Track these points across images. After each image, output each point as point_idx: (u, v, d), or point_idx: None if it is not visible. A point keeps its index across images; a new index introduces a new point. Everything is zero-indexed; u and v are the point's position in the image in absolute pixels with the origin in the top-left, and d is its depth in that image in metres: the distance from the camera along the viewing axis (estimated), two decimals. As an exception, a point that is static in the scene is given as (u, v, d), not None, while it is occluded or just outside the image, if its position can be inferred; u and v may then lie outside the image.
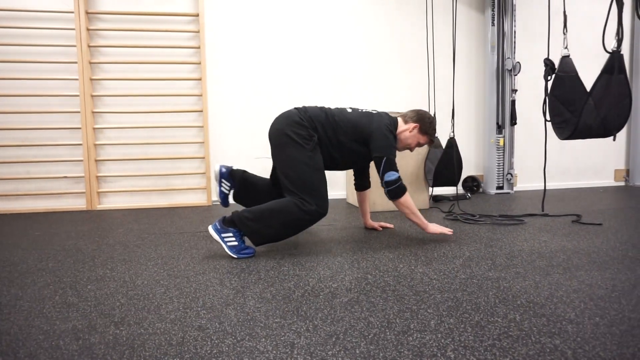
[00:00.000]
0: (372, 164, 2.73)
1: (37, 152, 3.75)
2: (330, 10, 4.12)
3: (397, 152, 2.47)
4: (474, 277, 1.71)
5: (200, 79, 3.88)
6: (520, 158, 4.61)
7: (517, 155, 4.55)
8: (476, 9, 4.42)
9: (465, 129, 4.50)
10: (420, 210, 3.40)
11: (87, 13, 3.69)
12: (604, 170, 4.90)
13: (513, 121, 4.23)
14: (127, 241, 2.48)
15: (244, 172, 2.52)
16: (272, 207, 2.07)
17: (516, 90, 4.23)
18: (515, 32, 4.24)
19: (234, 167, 2.56)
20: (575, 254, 2.05)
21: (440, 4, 4.29)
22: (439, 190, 4.36)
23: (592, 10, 4.65)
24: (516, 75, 4.19)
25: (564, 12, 2.37)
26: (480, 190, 4.49)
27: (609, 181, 4.91)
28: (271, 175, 2.51)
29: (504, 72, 4.25)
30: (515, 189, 4.56)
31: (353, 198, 3.77)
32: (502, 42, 4.24)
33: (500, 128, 4.30)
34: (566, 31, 2.39)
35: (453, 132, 3.36)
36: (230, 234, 2.07)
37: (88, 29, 3.71)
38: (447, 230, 2.33)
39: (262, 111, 4.05)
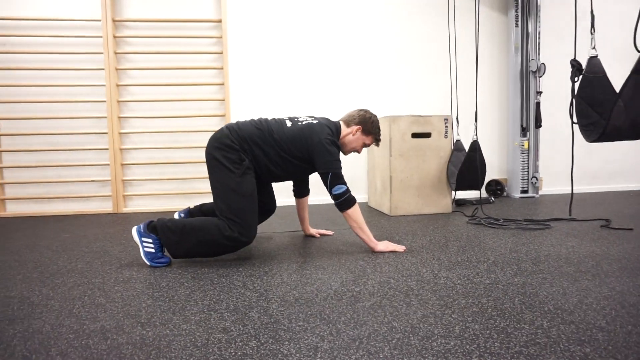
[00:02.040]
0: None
1: (67, 156, 3.86)
2: (352, 14, 4.13)
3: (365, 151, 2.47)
4: (499, 283, 1.69)
5: (222, 84, 3.94)
6: (546, 161, 4.51)
7: (542, 158, 4.46)
8: (499, 10, 4.36)
9: (489, 132, 4.43)
10: (442, 214, 3.36)
11: (114, 21, 3.79)
12: (634, 173, 4.75)
13: (538, 124, 4.15)
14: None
15: (202, 205, 2.55)
16: (195, 224, 2.04)
17: (541, 92, 4.15)
18: (539, 32, 4.16)
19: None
20: (604, 259, 1.99)
21: (462, 6, 4.24)
22: (462, 194, 4.30)
23: (620, 9, 4.53)
24: (541, 76, 4.11)
25: (592, 11, 2.32)
26: (504, 194, 4.41)
27: (639, 185, 4.77)
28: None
29: (528, 74, 4.18)
30: (540, 192, 4.46)
31: (375, 201, 3.76)
32: (526, 43, 4.17)
33: (524, 131, 4.22)
34: (594, 31, 2.33)
35: (476, 135, 3.32)
36: (150, 240, 2.05)
37: (115, 37, 3.80)
38: (398, 248, 2.24)
39: (284, 115, 4.07)
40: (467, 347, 1.16)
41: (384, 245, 2.24)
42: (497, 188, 4.34)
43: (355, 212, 2.17)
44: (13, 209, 3.85)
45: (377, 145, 2.47)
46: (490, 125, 4.43)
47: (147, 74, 3.90)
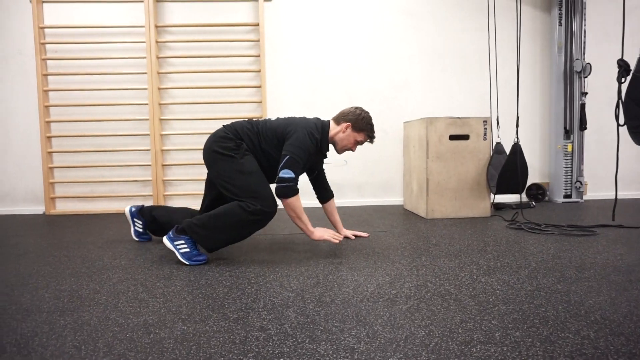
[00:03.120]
0: (324, 169, 2.63)
1: (111, 157, 4.02)
2: (387, 15, 4.10)
3: (355, 151, 2.47)
4: (541, 290, 1.63)
5: (259, 87, 4.00)
6: (591, 165, 4.33)
7: (587, 161, 4.28)
8: (541, 8, 4.23)
9: (530, 135, 4.30)
10: (480, 218, 3.29)
11: (156, 27, 3.92)
12: (688, 178, 4.49)
13: (583, 126, 3.99)
14: (191, 242, 2.59)
15: (153, 207, 2.58)
16: (218, 212, 2.08)
17: (586, 93, 4.00)
18: (585, 31, 4.00)
19: (144, 205, 2.61)
20: (656, 268, 1.89)
21: (502, 5, 4.14)
22: (501, 198, 4.19)
23: (673, 6, 4.30)
24: (586, 77, 3.95)
25: (643, 8, 2.21)
26: (546, 198, 4.26)
27: (693, 190, 4.50)
28: (202, 203, 2.49)
29: (573, 74, 4.03)
30: (585, 197, 4.29)
31: (410, 204, 3.72)
32: (570, 42, 4.02)
33: (568, 133, 4.07)
34: (645, 29, 2.22)
35: (517, 137, 3.23)
36: (182, 242, 2.10)
37: (157, 42, 3.93)
38: (333, 238, 2.21)
39: (321, 116, 4.09)
40: (509, 354, 1.13)
41: (319, 233, 2.22)
42: (538, 192, 4.20)
43: (293, 202, 2.12)
44: (62, 207, 4.05)
45: (371, 142, 2.43)
46: (532, 127, 4.30)
47: (187, 77, 4.02)
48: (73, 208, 4.03)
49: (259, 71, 3.99)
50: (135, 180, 4.03)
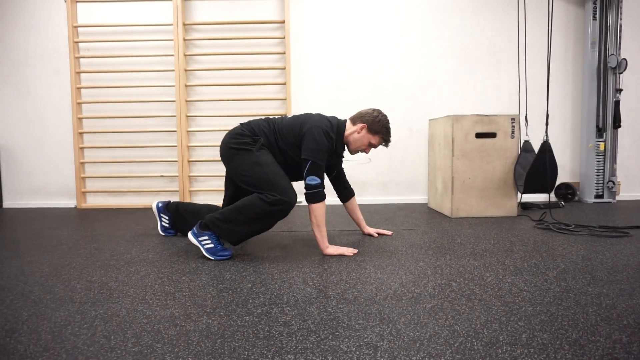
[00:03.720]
0: (343, 168, 2.62)
1: (139, 152, 4.12)
2: (414, 12, 4.05)
3: (371, 153, 2.38)
4: (570, 291, 1.59)
5: (284, 84, 4.02)
6: (625, 164, 4.19)
7: (620, 160, 4.14)
8: (575, 2, 4.10)
9: (560, 133, 4.18)
10: (506, 217, 3.23)
11: (184, 25, 3.98)
12: None
13: (617, 124, 3.86)
14: (216, 237, 2.64)
15: (178, 204, 2.61)
16: (239, 205, 2.10)
17: (621, 90, 3.86)
18: (621, 25, 3.86)
19: (171, 201, 2.67)
20: (693, 272, 1.82)
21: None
22: (529, 197, 4.10)
23: None
24: (621, 73, 3.82)
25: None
26: (576, 198, 4.14)
27: None
28: (223, 199, 2.50)
29: (607, 70, 3.90)
30: (617, 197, 4.15)
31: (435, 203, 3.68)
32: (605, 37, 3.89)
33: (600, 131, 3.94)
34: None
35: (547, 135, 3.15)
36: (206, 237, 2.13)
37: (185, 39, 4.00)
38: (348, 252, 2.17)
39: (344, 115, 4.09)
40: (536, 356, 1.11)
41: (333, 249, 2.19)
42: (567, 192, 4.09)
43: (319, 208, 2.13)
44: (92, 201, 4.17)
45: (386, 146, 2.41)
46: (562, 125, 4.18)
47: (213, 75, 4.07)
48: (103, 202, 4.15)
49: (284, 68, 4.01)
50: (162, 176, 4.11)
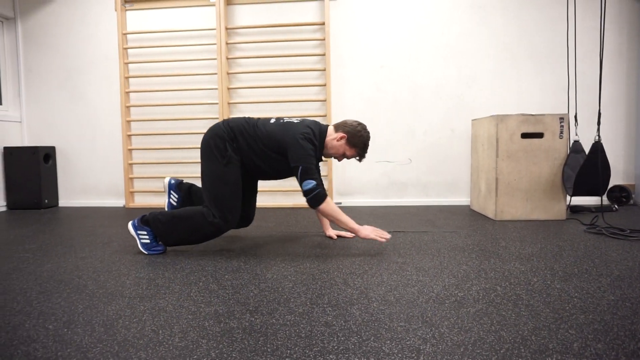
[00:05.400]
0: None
1: (184, 154, 4.25)
2: (454, 9, 3.97)
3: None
4: (626, 300, 1.51)
5: (324, 85, 4.03)
6: (685, 165, 3.93)
7: (680, 162, 3.89)
8: (629, -5, 3.89)
9: (613, 133, 3.97)
10: (554, 221, 3.10)
11: (226, 29, 4.08)
12: None
13: (676, 122, 3.62)
14: (256, 237, 2.68)
15: (191, 185, 2.63)
16: (182, 214, 2.22)
17: (681, 87, 3.62)
18: (681, 18, 3.63)
19: (184, 181, 2.65)
20: None
21: (583, -6, 3.86)
22: (579, 200, 3.92)
23: None
24: (681, 68, 3.58)
25: None
26: (631, 202, 3.92)
27: None
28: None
29: (665, 66, 3.67)
30: (677, 201, 3.89)
31: (478, 205, 3.58)
32: (663, 31, 3.66)
33: (658, 130, 3.71)
34: None
35: (599, 135, 3.00)
36: (145, 232, 2.26)
37: (227, 43, 4.09)
38: (381, 237, 2.17)
39: (383, 115, 4.06)
40: (588, 366, 1.06)
41: (367, 232, 2.19)
42: (621, 195, 3.88)
43: (327, 207, 2.16)
44: (139, 201, 4.34)
45: (360, 161, 2.41)
46: (615, 125, 3.97)
47: (254, 77, 4.14)
48: (150, 202, 4.31)
49: (324, 70, 4.02)
50: (205, 177, 4.21)
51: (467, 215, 3.43)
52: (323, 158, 2.47)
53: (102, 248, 2.43)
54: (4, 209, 4.15)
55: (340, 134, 2.30)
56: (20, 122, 4.38)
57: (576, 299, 1.52)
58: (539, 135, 3.13)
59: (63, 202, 4.42)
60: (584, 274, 1.82)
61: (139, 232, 2.28)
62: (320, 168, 4.06)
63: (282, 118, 2.37)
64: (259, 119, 2.37)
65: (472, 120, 3.72)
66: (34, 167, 4.10)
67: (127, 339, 1.25)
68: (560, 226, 2.91)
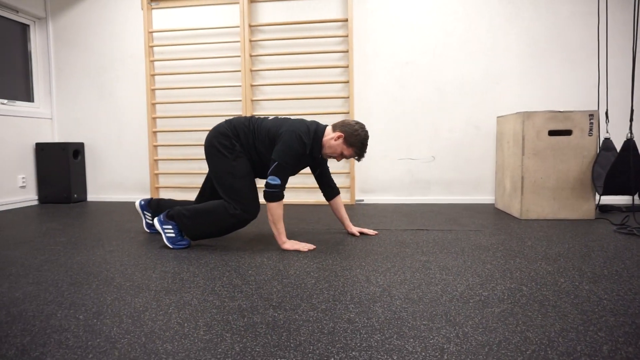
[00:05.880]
0: (328, 167, 2.64)
1: (207, 150, 4.30)
2: (481, 4, 3.89)
3: (342, 159, 2.41)
4: (658, 302, 1.46)
5: (347, 82, 4.02)
6: None
7: None
8: (665, -13, 3.74)
9: (645, 129, 3.84)
10: (582, 220, 3.02)
11: (250, 26, 4.11)
12: None
13: None
14: (279, 233, 2.70)
15: (158, 200, 2.72)
16: (205, 208, 2.30)
17: None
18: None
19: (152, 198, 2.74)
20: None
21: (616, -14, 3.73)
22: (608, 200, 3.81)
23: None
24: None
25: None
26: (664, 201, 3.79)
27: None
28: (202, 187, 2.62)
29: (703, 61, 3.52)
30: None
31: (502, 203, 3.52)
32: (701, 24, 3.52)
33: (694, 128, 3.57)
34: None
35: (631, 132, 2.90)
36: (170, 227, 2.33)
37: (250, 40, 4.12)
38: (303, 247, 2.25)
39: (406, 112, 4.02)
40: (619, 370, 1.03)
41: (290, 244, 2.28)
42: (654, 194, 3.75)
43: (275, 208, 2.23)
44: (165, 196, 4.41)
45: (358, 160, 2.40)
46: (648, 121, 3.84)
47: (277, 74, 4.16)
48: (174, 197, 4.38)
49: (347, 67, 4.01)
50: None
51: (492, 213, 3.37)
52: (323, 158, 2.48)
53: (129, 242, 2.49)
54: (35, 202, 4.29)
55: (338, 134, 2.30)
56: (51, 119, 4.52)
57: (606, 301, 1.48)
58: (568, 132, 3.06)
59: (91, 196, 4.54)
60: (614, 276, 1.77)
61: (164, 226, 2.33)
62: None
63: (280, 117, 2.42)
64: (259, 117, 2.43)
65: (498, 117, 3.66)
66: (64, 163, 4.22)
67: (153, 331, 1.28)
68: (588, 226, 2.83)
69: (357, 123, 2.33)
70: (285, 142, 2.21)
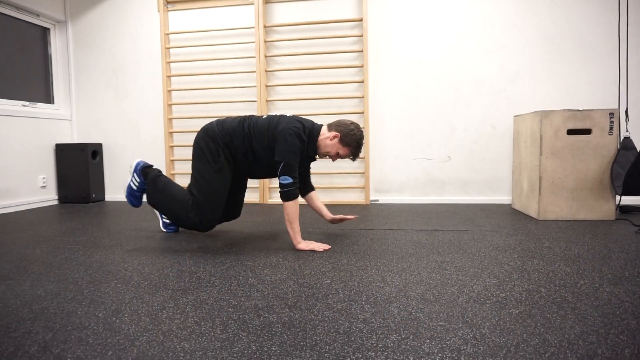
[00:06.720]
0: (310, 167, 2.65)
1: (222, 151, 4.33)
2: (497, 1, 3.85)
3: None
4: (682, 305, 1.43)
5: (362, 82, 4.02)
6: None
7: None
8: (688, -18, 3.65)
9: (668, 128, 3.75)
10: (602, 221, 2.97)
11: (265, 27, 4.13)
12: None
13: None
14: (294, 233, 2.71)
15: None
16: (174, 193, 2.46)
17: None
18: None
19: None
20: None
21: (637, -18, 3.66)
22: (630, 200, 3.73)
23: None
24: None
25: None
26: (687, 201, 3.70)
27: None
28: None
29: None
30: None
31: (520, 204, 3.48)
32: None
33: None
34: None
35: (652, 131, 2.84)
36: (139, 181, 2.55)
37: (265, 41, 4.14)
38: (319, 247, 2.24)
39: (421, 111, 4.00)
40: (641, 374, 1.01)
41: (305, 244, 2.27)
42: (677, 194, 3.66)
43: (292, 206, 2.23)
44: (180, 196, 4.46)
45: (353, 160, 2.41)
46: (670, 120, 3.75)
47: (293, 74, 4.17)
48: (190, 197, 4.42)
49: (362, 66, 4.00)
50: (243, 173, 4.29)
51: (508, 214, 3.33)
52: (318, 157, 2.49)
53: (146, 241, 2.52)
54: (55, 202, 4.38)
55: (333, 133, 2.32)
56: (70, 120, 4.60)
57: (627, 304, 1.46)
58: (587, 131, 3.00)
59: (109, 196, 4.61)
60: (635, 277, 1.73)
61: (134, 175, 2.51)
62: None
63: (273, 115, 2.42)
64: (252, 116, 2.44)
65: (515, 116, 3.61)
66: (83, 163, 4.30)
67: (171, 330, 1.30)
68: (608, 227, 2.78)
69: (353, 123, 2.35)
70: (286, 141, 2.23)
